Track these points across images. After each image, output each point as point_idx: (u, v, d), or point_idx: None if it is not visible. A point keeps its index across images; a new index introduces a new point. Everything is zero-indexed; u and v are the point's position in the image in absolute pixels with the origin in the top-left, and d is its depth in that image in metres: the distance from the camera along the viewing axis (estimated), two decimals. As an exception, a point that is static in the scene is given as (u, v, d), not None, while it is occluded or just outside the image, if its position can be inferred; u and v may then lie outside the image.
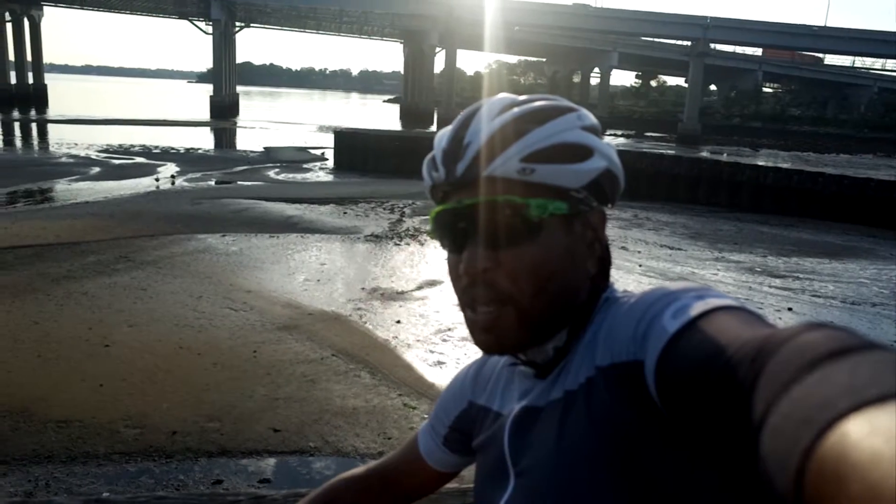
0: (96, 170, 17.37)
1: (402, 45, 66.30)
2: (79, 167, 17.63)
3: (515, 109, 0.69)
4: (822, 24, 50.02)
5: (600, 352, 0.64)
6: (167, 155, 21.75)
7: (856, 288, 9.57)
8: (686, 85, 56.58)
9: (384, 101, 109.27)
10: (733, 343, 0.47)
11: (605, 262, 0.74)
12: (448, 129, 0.72)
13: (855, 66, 63.99)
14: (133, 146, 23.45)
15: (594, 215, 0.71)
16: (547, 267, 0.67)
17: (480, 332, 0.69)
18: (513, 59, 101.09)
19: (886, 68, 61.19)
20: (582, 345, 0.68)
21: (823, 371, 0.36)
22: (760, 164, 20.00)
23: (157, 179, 16.28)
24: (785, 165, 21.31)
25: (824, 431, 0.32)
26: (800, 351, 0.39)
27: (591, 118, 0.71)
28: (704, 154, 28.90)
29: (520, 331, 0.68)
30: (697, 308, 0.54)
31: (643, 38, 62.71)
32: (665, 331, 0.54)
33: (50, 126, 32.38)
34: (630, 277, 9.02)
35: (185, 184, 15.92)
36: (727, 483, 0.54)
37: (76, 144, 23.12)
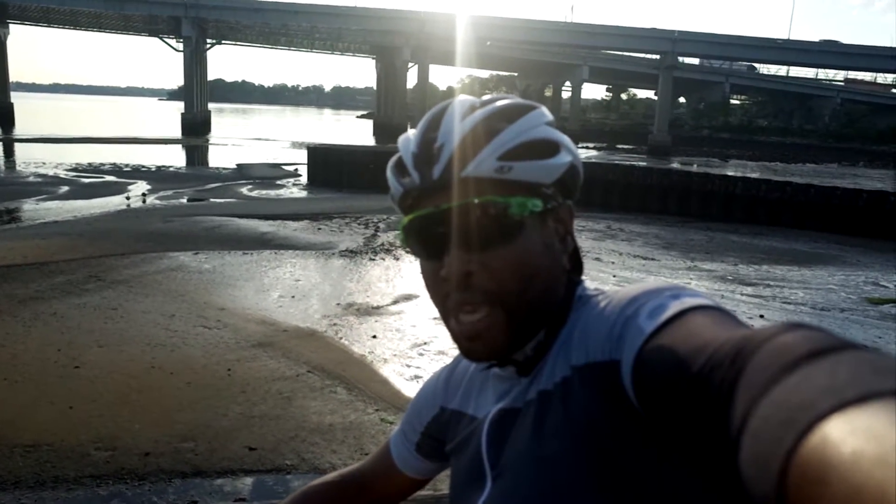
0: (65, 189, 17.10)
1: (374, 61, 66.49)
2: (47, 186, 17.34)
3: (482, 109, 0.69)
4: (786, 38, 51.17)
5: (576, 351, 0.63)
6: (138, 173, 21.49)
7: (825, 294, 9.74)
8: (656, 98, 57.42)
9: (357, 117, 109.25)
10: (710, 344, 0.47)
11: (576, 257, 0.75)
12: (415, 131, 0.71)
13: (818, 77, 65.53)
14: (103, 164, 23.14)
15: (563, 210, 0.72)
16: (530, 265, 0.67)
17: (466, 341, 0.68)
18: (485, 73, 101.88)
19: (849, 79, 62.67)
20: (557, 344, 0.68)
21: (803, 372, 0.36)
22: (730, 174, 20.32)
23: (127, 198, 16.06)
24: (754, 175, 21.64)
25: (805, 433, 0.32)
26: (778, 352, 0.39)
27: (550, 114, 0.72)
28: (675, 165, 29.31)
29: (508, 333, 0.67)
30: (673, 308, 0.54)
31: (613, 52, 63.58)
32: (641, 331, 0.54)
33: (17, 145, 31.82)
34: (605, 288, 9.06)
35: (157, 202, 15.73)
36: (709, 483, 0.53)
37: (44, 164, 22.75)
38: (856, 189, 17.38)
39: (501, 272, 0.66)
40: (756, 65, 65.05)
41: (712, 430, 0.43)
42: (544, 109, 0.71)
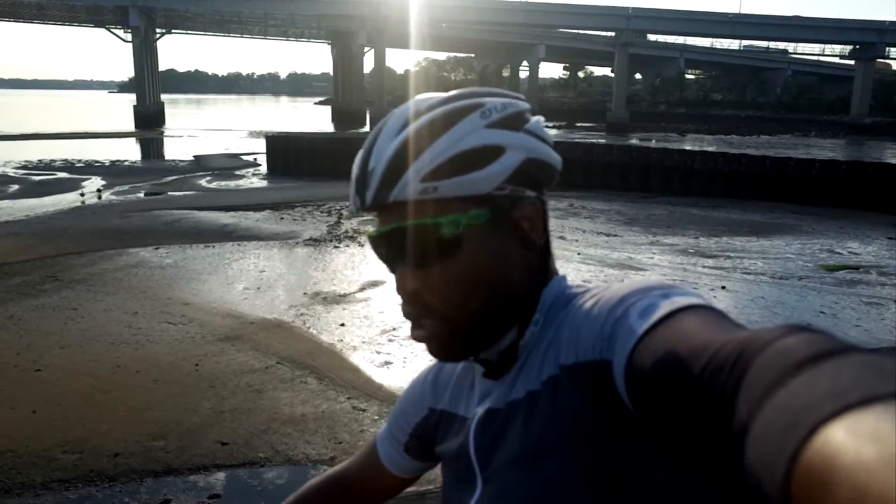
0: (15, 187, 16.57)
1: (330, 46, 65.61)
2: (-4, 186, 16.80)
3: (413, 124, 0.66)
4: (738, 12, 51.93)
5: (564, 351, 0.63)
6: (91, 168, 20.94)
7: (783, 263, 9.98)
8: (612, 75, 57.88)
9: (315, 104, 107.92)
10: (710, 346, 0.46)
11: (545, 250, 0.73)
12: (360, 152, 0.70)
13: (769, 50, 66.73)
14: (54, 161, 22.46)
15: (526, 207, 0.69)
16: (476, 276, 0.66)
17: (426, 343, 0.70)
18: (442, 55, 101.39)
19: (798, 51, 63.96)
20: (544, 343, 0.67)
21: (806, 376, 0.36)
22: (688, 148, 20.68)
23: (82, 194, 15.64)
24: (711, 149, 22.03)
25: (809, 436, 0.32)
26: (781, 356, 0.39)
27: (503, 109, 0.68)
28: (634, 141, 29.65)
29: (456, 341, 0.69)
30: (664, 308, 0.54)
31: (569, 31, 63.82)
32: (633, 331, 0.54)
33: (-39, 144, 30.72)
34: (570, 266, 9.17)
35: (113, 197, 15.36)
36: (708, 484, 0.52)
37: (-9, 162, 22.02)
38: (809, 159, 17.81)
39: (444, 288, 0.66)
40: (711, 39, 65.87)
41: (714, 432, 0.43)
42: (490, 107, 0.67)
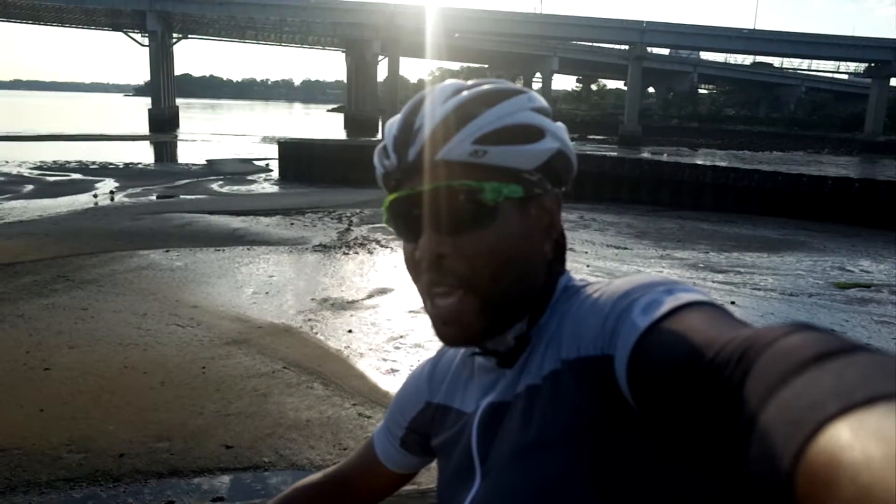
0: (29, 188, 16.74)
1: (344, 54, 66.02)
2: (10, 185, 16.95)
3: (465, 93, 0.68)
4: (752, 28, 51.84)
5: (566, 345, 0.63)
6: (105, 170, 21.12)
7: (793, 280, 9.92)
8: (625, 88, 57.83)
9: (328, 111, 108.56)
10: (714, 343, 0.46)
11: (560, 247, 0.74)
12: (399, 115, 0.71)
13: (783, 66, 66.56)
14: (69, 162, 22.69)
15: (549, 199, 0.70)
16: (504, 251, 0.66)
17: (442, 325, 0.68)
18: (455, 65, 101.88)
19: (812, 68, 63.73)
20: (545, 337, 0.67)
21: (811, 374, 0.37)
22: (699, 163, 20.58)
23: (95, 196, 15.78)
24: (722, 164, 21.93)
25: (814, 434, 0.32)
26: (786, 354, 0.40)
27: (542, 100, 0.71)
28: (646, 155, 29.57)
29: (481, 318, 0.67)
30: (668, 304, 0.54)
31: (583, 43, 63.91)
32: (636, 326, 0.54)
33: (-22, 144, 31.03)
34: (578, 277, 9.14)
35: (126, 199, 15.49)
36: (710, 480, 0.53)
37: (7, 162, 22.22)
38: (821, 176, 17.71)
39: (474, 256, 0.65)
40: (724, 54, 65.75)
41: (717, 429, 0.43)
42: (533, 95, 0.70)
